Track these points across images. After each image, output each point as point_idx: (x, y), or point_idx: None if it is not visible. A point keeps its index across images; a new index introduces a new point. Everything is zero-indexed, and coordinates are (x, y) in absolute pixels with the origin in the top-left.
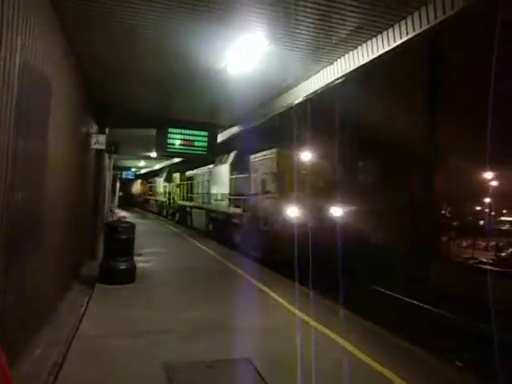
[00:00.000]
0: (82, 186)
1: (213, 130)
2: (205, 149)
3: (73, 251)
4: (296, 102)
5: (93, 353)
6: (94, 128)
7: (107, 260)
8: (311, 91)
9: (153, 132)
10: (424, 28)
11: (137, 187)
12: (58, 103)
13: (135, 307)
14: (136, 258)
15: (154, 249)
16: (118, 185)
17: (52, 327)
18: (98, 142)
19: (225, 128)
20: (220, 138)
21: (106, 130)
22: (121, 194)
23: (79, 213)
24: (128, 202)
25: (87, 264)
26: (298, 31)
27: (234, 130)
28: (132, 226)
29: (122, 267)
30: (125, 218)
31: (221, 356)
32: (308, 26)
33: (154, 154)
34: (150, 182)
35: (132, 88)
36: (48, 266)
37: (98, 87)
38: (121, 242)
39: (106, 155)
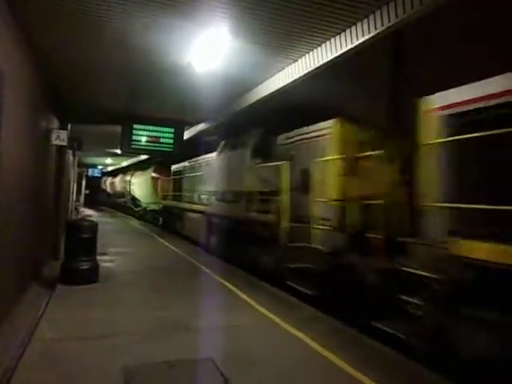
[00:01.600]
0: (42, 184)
1: (179, 126)
2: (171, 146)
3: (32, 251)
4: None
5: (49, 357)
6: (56, 124)
7: (69, 260)
8: (276, 88)
9: (119, 128)
10: (387, 26)
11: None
12: (12, 97)
13: (96, 308)
14: (100, 257)
15: (119, 248)
16: (83, 182)
17: (6, 331)
18: (59, 138)
19: (191, 125)
20: (187, 134)
21: (69, 126)
22: (87, 191)
23: (39, 211)
24: (100, 200)
25: (49, 264)
26: (261, 27)
27: (201, 126)
28: (95, 224)
29: (84, 267)
30: (90, 216)
31: (183, 356)
32: (271, 23)
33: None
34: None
35: (96, 83)
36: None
37: (59, 82)
38: (83, 241)
39: (70, 152)
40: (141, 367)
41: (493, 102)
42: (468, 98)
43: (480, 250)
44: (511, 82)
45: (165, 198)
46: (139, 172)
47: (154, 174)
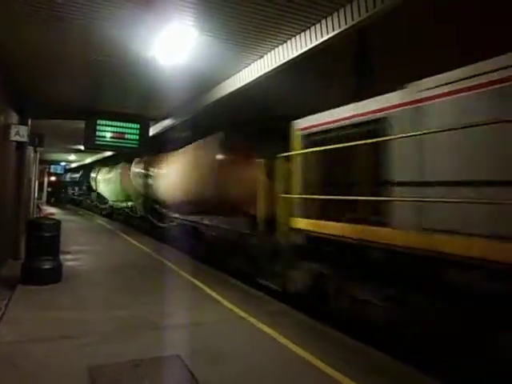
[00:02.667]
0: (1, 181)
1: (144, 122)
2: (136, 142)
3: None
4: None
5: (8, 360)
6: (15, 119)
7: (30, 259)
8: (242, 84)
9: (82, 124)
10: (351, 23)
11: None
12: None
13: (59, 309)
14: (64, 256)
15: (83, 246)
16: (45, 179)
17: None
18: (19, 133)
19: (157, 121)
20: (152, 131)
21: (29, 122)
22: (49, 189)
23: None
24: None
25: (9, 264)
26: (226, 23)
27: (166, 122)
28: (57, 222)
29: (46, 266)
30: (53, 214)
31: (149, 354)
32: (236, 19)
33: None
34: None
35: (57, 77)
36: None
37: (18, 75)
38: (44, 239)
39: (31, 148)
40: (106, 367)
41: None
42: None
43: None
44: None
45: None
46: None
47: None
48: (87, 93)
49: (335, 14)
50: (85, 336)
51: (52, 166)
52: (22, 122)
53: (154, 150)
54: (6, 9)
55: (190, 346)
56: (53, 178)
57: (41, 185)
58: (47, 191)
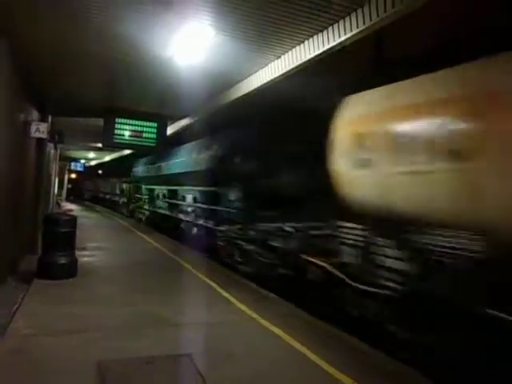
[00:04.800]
0: (19, 177)
1: (162, 121)
2: (154, 140)
3: (7, 245)
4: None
5: (22, 352)
6: (35, 116)
7: (46, 254)
8: (259, 85)
9: (101, 122)
10: (369, 24)
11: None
12: None
13: (74, 303)
14: (79, 252)
15: (99, 243)
16: (66, 176)
17: None
18: (39, 130)
19: (174, 120)
20: (170, 130)
21: (49, 119)
22: (69, 186)
23: (17, 205)
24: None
25: (27, 258)
26: (244, 23)
27: (184, 122)
28: (73, 218)
29: (62, 262)
30: (71, 211)
31: (161, 352)
32: (254, 18)
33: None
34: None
35: (76, 75)
36: None
37: (39, 73)
38: (61, 235)
39: (51, 145)
40: (117, 362)
41: None
42: None
43: None
44: None
45: None
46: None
47: None
48: (106, 91)
49: (353, 14)
50: (97, 331)
51: (72, 163)
52: (42, 119)
53: None
54: (26, 8)
55: (201, 346)
56: (73, 175)
57: (61, 181)
58: (67, 188)
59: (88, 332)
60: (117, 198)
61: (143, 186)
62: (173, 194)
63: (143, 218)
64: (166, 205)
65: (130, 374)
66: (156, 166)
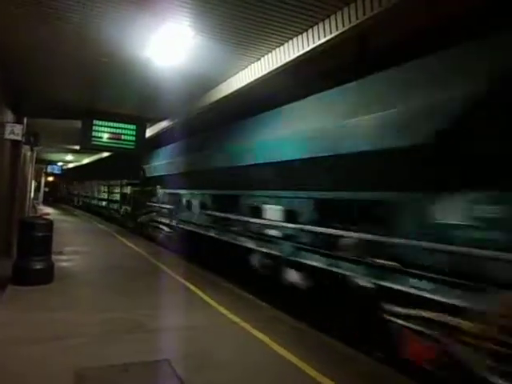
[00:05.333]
0: None
1: (141, 123)
2: (133, 143)
3: None
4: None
5: None
6: (10, 117)
7: (21, 259)
8: (239, 87)
9: (79, 124)
10: (350, 25)
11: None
12: None
13: (49, 310)
14: (56, 256)
15: (77, 247)
16: (42, 179)
17: None
18: (14, 132)
19: (153, 122)
20: (149, 132)
21: (25, 120)
22: (46, 189)
23: None
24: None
25: (1, 263)
26: (224, 24)
27: (163, 124)
28: (50, 222)
29: (38, 267)
30: (48, 214)
31: (138, 358)
32: (234, 20)
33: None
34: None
35: (53, 75)
36: None
37: (13, 73)
38: (37, 239)
39: (27, 147)
40: (93, 370)
41: None
42: None
43: None
44: None
45: None
46: None
47: None
48: (83, 92)
49: (333, 17)
50: (74, 338)
51: (49, 166)
52: (18, 121)
53: None
54: (2, 8)
55: (180, 351)
56: (50, 178)
57: (37, 185)
58: (44, 191)
59: (64, 340)
60: (115, 206)
61: (162, 191)
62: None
63: (162, 238)
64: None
65: (108, 382)
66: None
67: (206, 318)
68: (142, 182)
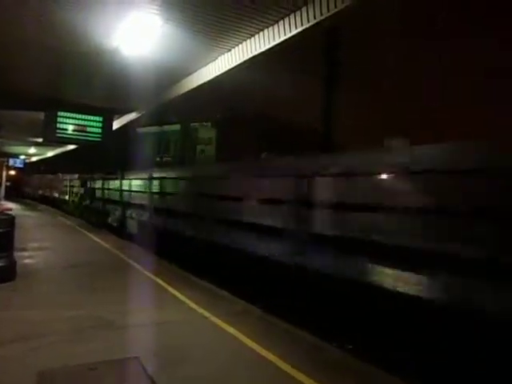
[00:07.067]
0: None
1: (108, 115)
2: (99, 135)
3: None
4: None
5: None
6: None
7: None
8: (209, 78)
9: (42, 115)
10: (318, 19)
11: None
12: None
13: (11, 309)
14: (19, 253)
15: (41, 243)
16: (3, 173)
17: None
18: None
19: (121, 114)
20: (116, 124)
21: None
22: (8, 183)
23: None
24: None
25: None
26: (193, 14)
27: (132, 116)
28: (11, 218)
29: None
30: (10, 210)
31: (106, 356)
32: (204, 10)
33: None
34: None
35: (15, 64)
36: None
37: None
38: None
39: None
40: (58, 371)
41: None
42: None
43: None
44: None
45: None
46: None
47: None
48: (47, 82)
49: (304, 9)
50: (38, 338)
51: (11, 160)
52: None
53: None
54: None
55: (149, 348)
56: (12, 172)
57: None
58: (6, 186)
59: (27, 340)
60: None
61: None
62: None
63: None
64: None
65: (75, 382)
66: None
67: None
68: None
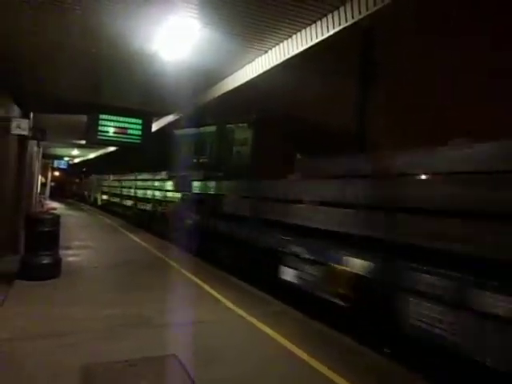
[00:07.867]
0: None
1: (147, 117)
2: (139, 137)
3: None
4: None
5: (1, 358)
6: (16, 112)
7: (28, 254)
8: (246, 80)
9: (85, 118)
10: (357, 18)
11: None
12: None
13: (56, 305)
14: (63, 251)
15: (85, 242)
16: (49, 174)
17: None
18: (20, 126)
19: (159, 116)
20: (155, 127)
21: (31, 115)
22: (53, 184)
23: None
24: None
25: (8, 259)
26: (231, 17)
27: (170, 118)
28: (57, 217)
29: (45, 261)
30: (54, 209)
31: (146, 353)
32: (241, 13)
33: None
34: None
35: (59, 70)
36: None
37: (19, 68)
38: (43, 234)
39: (34, 142)
40: (100, 366)
41: None
42: None
43: None
44: None
45: None
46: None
47: None
48: (89, 86)
49: (342, 8)
50: (80, 333)
51: (55, 161)
52: (24, 116)
53: None
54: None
55: (187, 346)
56: (56, 173)
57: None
58: (51, 186)
59: (70, 335)
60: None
61: None
62: None
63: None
64: None
65: (116, 377)
66: None
67: None
68: None
